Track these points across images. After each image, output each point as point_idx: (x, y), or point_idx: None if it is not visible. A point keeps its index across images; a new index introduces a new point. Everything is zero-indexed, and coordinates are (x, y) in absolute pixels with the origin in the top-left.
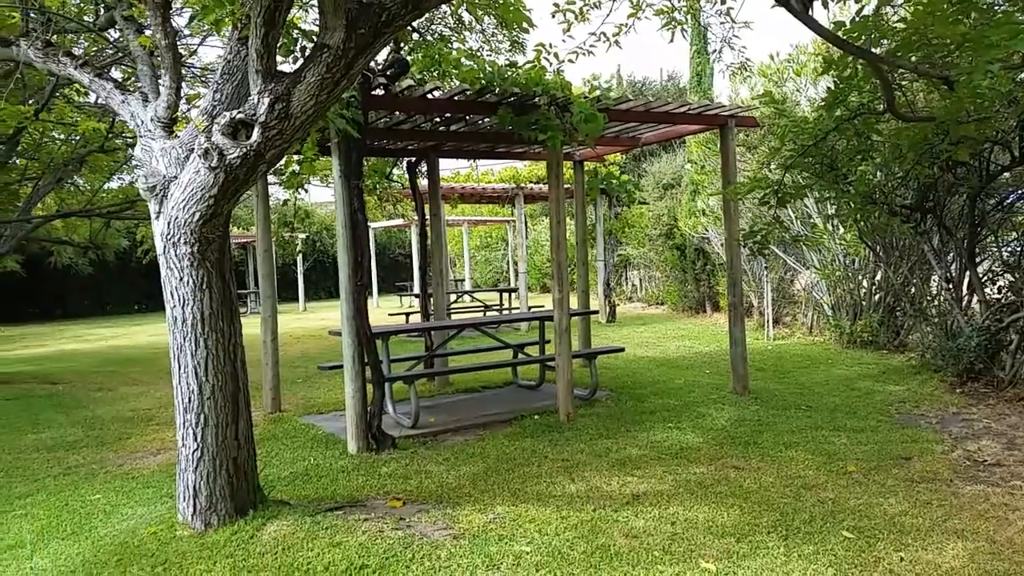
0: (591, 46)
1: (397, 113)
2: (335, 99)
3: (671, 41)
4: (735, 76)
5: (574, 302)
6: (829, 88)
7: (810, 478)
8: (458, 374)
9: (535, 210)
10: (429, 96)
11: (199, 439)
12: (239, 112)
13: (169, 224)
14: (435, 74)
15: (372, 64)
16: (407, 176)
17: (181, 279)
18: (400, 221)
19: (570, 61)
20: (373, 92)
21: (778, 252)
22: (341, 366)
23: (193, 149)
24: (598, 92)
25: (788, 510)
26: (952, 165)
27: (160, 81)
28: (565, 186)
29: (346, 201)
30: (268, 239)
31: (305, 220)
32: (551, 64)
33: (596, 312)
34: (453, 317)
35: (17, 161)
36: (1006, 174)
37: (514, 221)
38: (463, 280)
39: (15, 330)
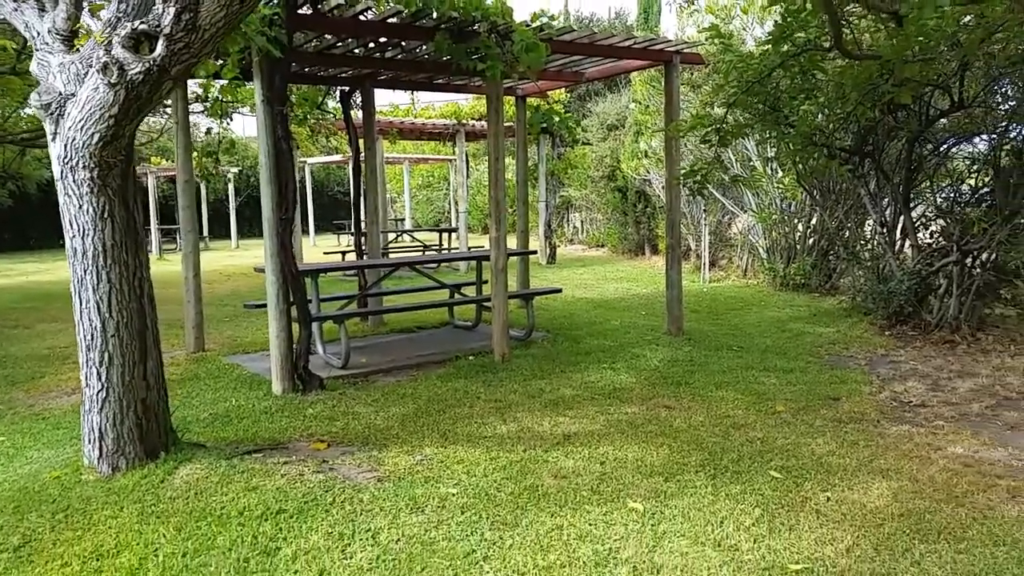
0: None
1: (328, 37)
2: (248, 10)
3: None
4: (682, 12)
5: (513, 243)
6: (776, 22)
7: (739, 418)
8: (393, 314)
9: (478, 149)
10: (360, 18)
11: (104, 379)
12: (142, 23)
13: (66, 146)
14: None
15: None
16: (340, 107)
17: (80, 207)
18: (338, 157)
19: None
20: (299, 10)
21: (716, 195)
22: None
23: (93, 64)
24: (541, 21)
25: (716, 449)
26: (893, 108)
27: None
28: (506, 124)
29: (268, 128)
30: (189, 169)
31: (232, 151)
32: None
33: (535, 253)
34: (391, 257)
35: None
36: (944, 120)
37: (455, 160)
38: (403, 220)
39: None
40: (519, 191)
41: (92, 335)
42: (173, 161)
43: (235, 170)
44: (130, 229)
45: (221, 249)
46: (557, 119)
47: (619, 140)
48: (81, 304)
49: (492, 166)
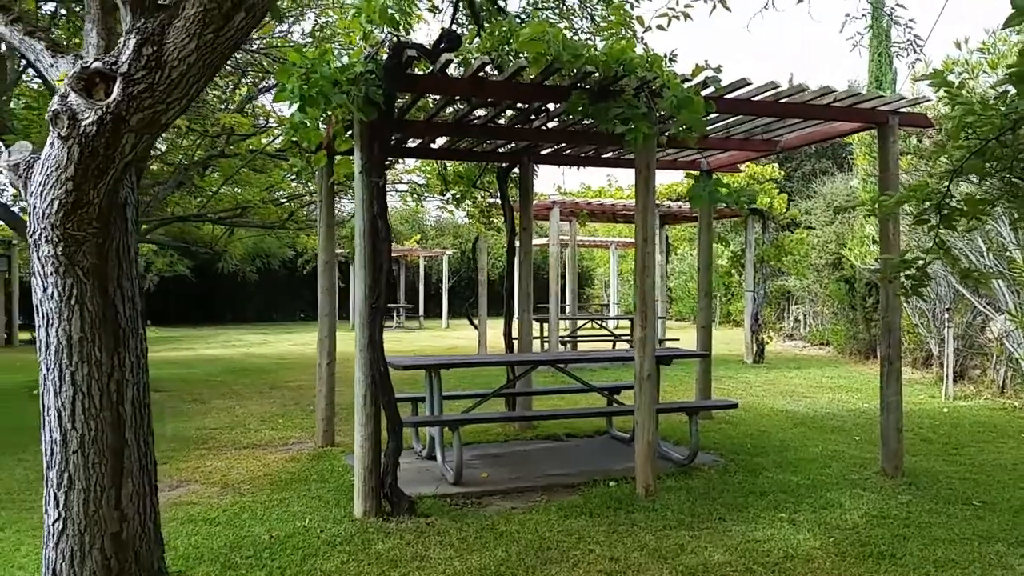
0: (686, 6)
1: (462, 104)
2: (229, 43)
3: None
4: (915, 74)
5: (714, 336)
6: (1022, 51)
7: None
8: (518, 420)
9: (686, 231)
10: (468, 77)
11: (62, 506)
12: (96, 60)
13: (30, 217)
14: (506, 54)
15: (413, 38)
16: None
17: (44, 290)
18: (543, 240)
19: (659, 28)
20: (407, 70)
21: (962, 290)
22: (413, 398)
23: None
24: (705, 75)
25: None
26: None
27: (88, 37)
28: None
29: (366, 202)
30: (331, 250)
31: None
32: (639, 35)
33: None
34: (579, 347)
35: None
36: None
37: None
38: (607, 305)
39: (177, 331)
40: (701, 280)
41: (52, 450)
42: (400, 243)
43: (451, 251)
44: (107, 320)
45: (432, 328)
46: (725, 190)
47: (847, 224)
48: (43, 410)
49: (640, 249)
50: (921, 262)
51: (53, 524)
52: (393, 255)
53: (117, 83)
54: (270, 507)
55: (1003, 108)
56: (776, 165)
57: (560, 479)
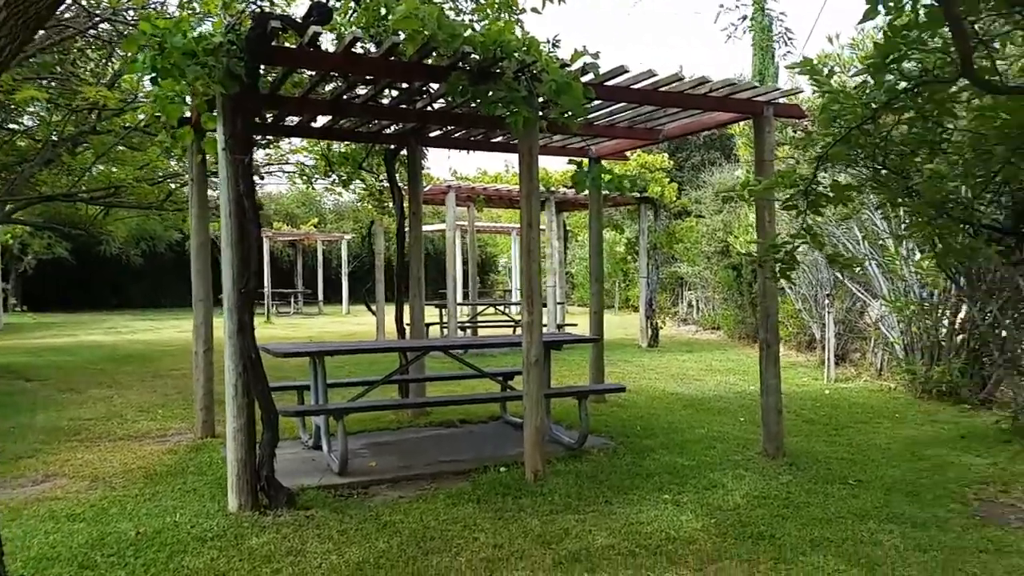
0: None
1: (341, 81)
2: (45, 4)
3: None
4: (793, 69)
5: (611, 321)
6: (876, 43)
7: None
8: (410, 407)
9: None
10: (338, 53)
11: None
12: None
13: None
14: (383, 31)
15: (289, 11)
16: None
17: None
18: (442, 225)
19: (534, 11)
20: (272, 42)
21: (841, 277)
22: (299, 387)
23: None
24: (584, 61)
25: None
26: None
27: None
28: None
29: (230, 182)
30: (204, 231)
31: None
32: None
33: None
34: (479, 332)
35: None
36: None
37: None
38: (509, 291)
39: (57, 317)
40: (593, 265)
41: None
42: (296, 227)
43: (350, 235)
44: None
45: (332, 314)
46: (608, 177)
47: (734, 212)
48: None
49: (524, 234)
50: (789, 246)
51: None
52: (290, 238)
53: None
54: (141, 502)
55: (864, 98)
56: (666, 155)
57: (451, 466)
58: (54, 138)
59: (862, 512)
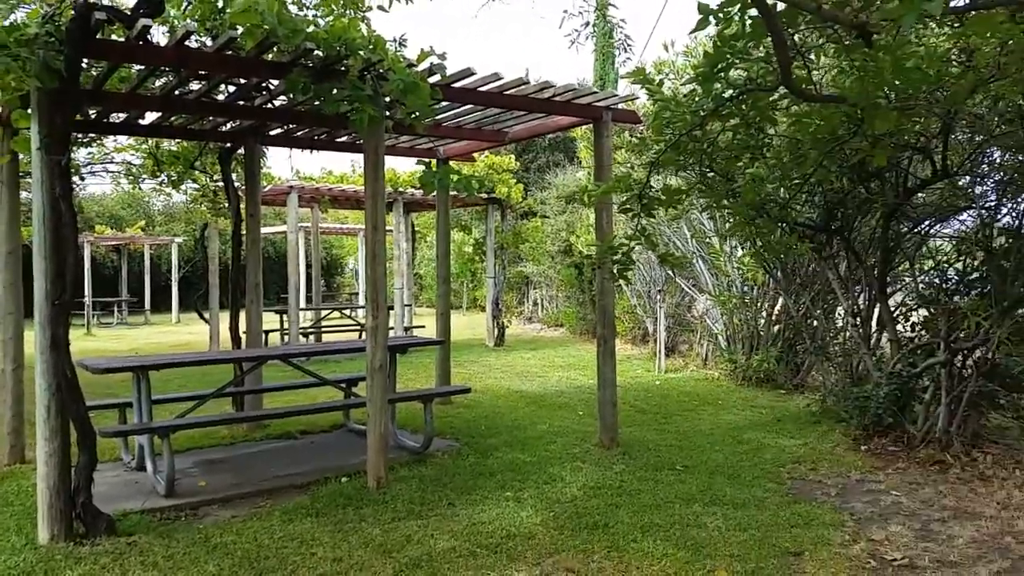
0: None
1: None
2: None
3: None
4: (629, 78)
5: (459, 322)
6: (706, 51)
7: None
8: (244, 421)
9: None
10: (162, 47)
11: None
12: None
13: None
14: (220, 25)
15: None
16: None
17: None
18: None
19: (380, 8)
20: (97, 35)
21: (671, 273)
22: (120, 404)
23: None
24: (430, 62)
25: None
26: (865, 176)
27: None
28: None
29: (45, 184)
30: (15, 238)
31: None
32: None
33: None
34: (324, 337)
35: None
36: (924, 191)
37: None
38: (356, 294)
39: None
40: (439, 267)
41: None
42: (121, 230)
43: (182, 239)
44: None
45: (160, 324)
46: (456, 177)
47: (576, 213)
48: None
49: (369, 237)
50: (625, 247)
51: None
52: (114, 243)
53: None
54: None
55: (693, 105)
56: (513, 157)
57: (289, 480)
58: None
59: (688, 496)
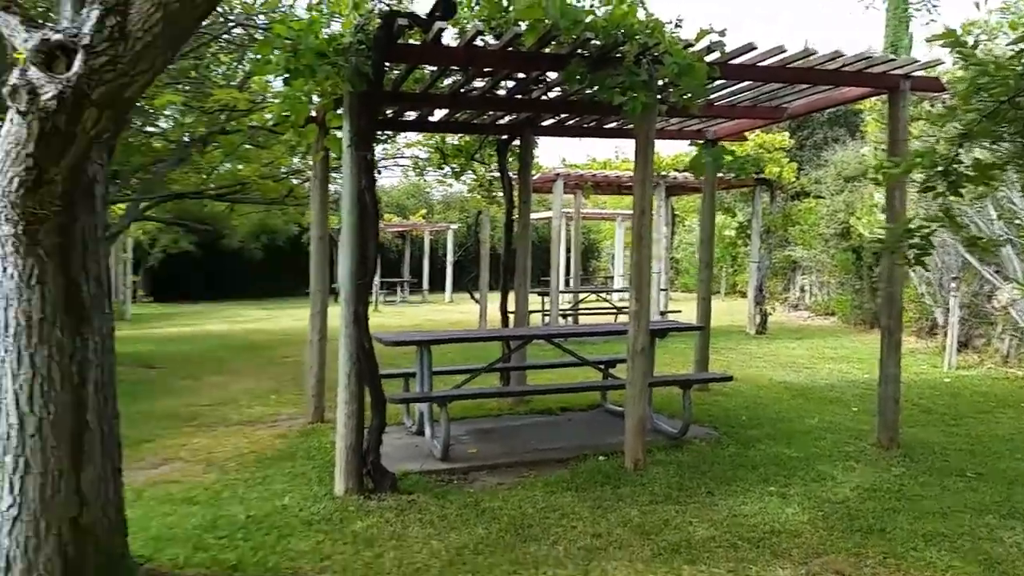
0: None
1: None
2: (196, 12)
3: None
4: (934, 41)
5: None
6: None
7: None
8: (510, 395)
9: (694, 202)
10: (456, 47)
11: (17, 491)
12: (55, 31)
13: None
14: (504, 22)
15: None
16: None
17: (4, 270)
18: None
19: None
20: (398, 40)
21: (970, 259)
22: (405, 374)
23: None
24: (709, 40)
25: None
26: None
27: (63, 11)
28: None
29: (353, 177)
30: (324, 224)
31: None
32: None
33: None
34: (580, 319)
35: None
36: None
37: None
38: (611, 278)
39: (182, 307)
40: (702, 252)
41: (8, 435)
42: (405, 218)
43: (456, 225)
44: (70, 300)
45: (436, 302)
46: (730, 158)
47: (857, 192)
48: (0, 394)
49: (636, 221)
50: (925, 231)
51: (7, 510)
52: (399, 229)
53: (78, 56)
54: (252, 485)
55: (1019, 68)
56: (787, 134)
57: (550, 454)
58: (186, 139)
59: (981, 506)
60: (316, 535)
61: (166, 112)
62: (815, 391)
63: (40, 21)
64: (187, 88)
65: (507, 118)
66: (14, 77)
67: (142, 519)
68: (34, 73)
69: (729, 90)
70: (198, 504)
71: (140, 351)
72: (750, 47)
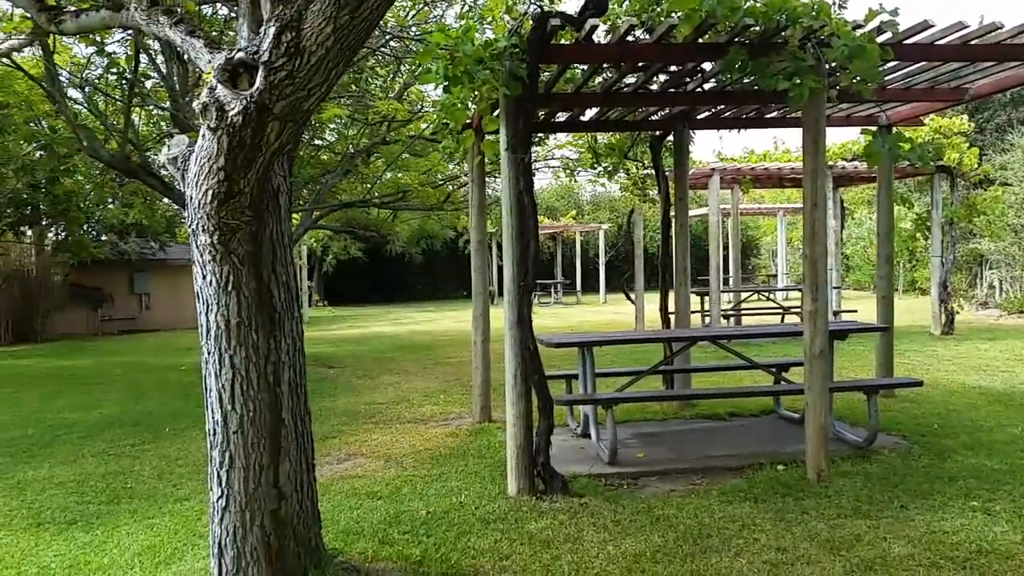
0: None
1: (611, 72)
2: (365, 24)
3: None
4: None
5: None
6: None
7: None
8: (676, 399)
9: (864, 193)
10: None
11: (224, 484)
12: (239, 51)
13: (188, 207)
14: (656, 15)
15: (561, 7)
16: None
17: (204, 277)
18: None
19: None
20: (550, 41)
21: None
22: (567, 376)
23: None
24: (880, 20)
25: None
26: None
27: (240, 32)
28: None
29: (512, 180)
30: (483, 229)
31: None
32: None
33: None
34: (744, 320)
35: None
36: None
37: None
38: (775, 276)
39: (352, 310)
40: (881, 246)
41: (214, 430)
42: (556, 219)
43: (607, 225)
44: (263, 304)
45: (589, 303)
46: (907, 146)
47: None
48: (205, 392)
49: (808, 215)
50: None
51: (217, 501)
52: (550, 231)
53: (259, 72)
54: (429, 481)
55: None
56: (965, 117)
57: (721, 461)
58: (351, 150)
59: None
60: (493, 534)
61: (331, 126)
62: (1016, 397)
63: (220, 43)
64: (348, 101)
65: (660, 113)
66: (204, 96)
67: (332, 512)
68: (221, 91)
69: (903, 72)
70: (381, 499)
71: (319, 352)
72: (925, 25)
